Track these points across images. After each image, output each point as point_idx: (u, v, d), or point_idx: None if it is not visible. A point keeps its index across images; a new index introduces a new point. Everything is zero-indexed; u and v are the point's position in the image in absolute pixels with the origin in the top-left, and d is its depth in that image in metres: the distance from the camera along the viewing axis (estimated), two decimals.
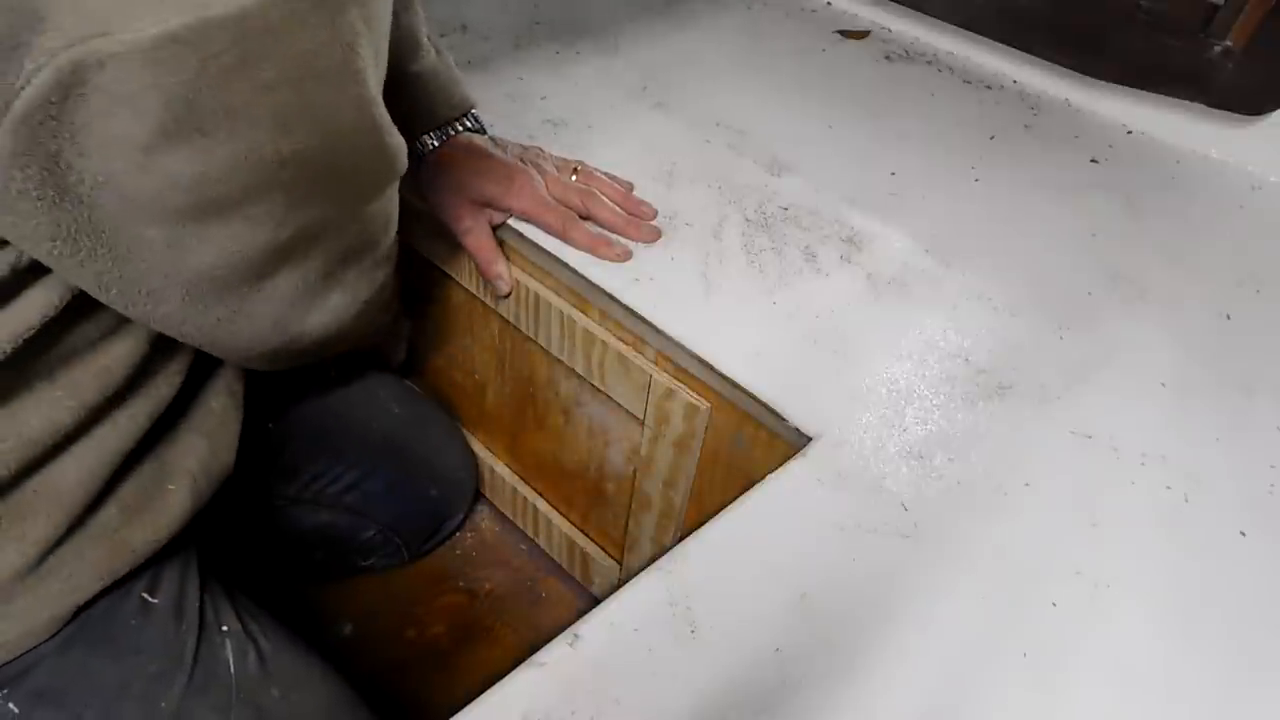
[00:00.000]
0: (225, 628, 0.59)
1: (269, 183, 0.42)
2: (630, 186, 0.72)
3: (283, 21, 0.36)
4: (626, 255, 0.66)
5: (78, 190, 0.37)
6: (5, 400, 0.45)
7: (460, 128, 0.69)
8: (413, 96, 0.68)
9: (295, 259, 0.48)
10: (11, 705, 0.50)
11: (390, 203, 0.55)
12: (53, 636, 0.51)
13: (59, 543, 0.50)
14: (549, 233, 0.67)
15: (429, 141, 0.68)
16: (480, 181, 0.66)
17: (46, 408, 0.47)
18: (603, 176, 0.71)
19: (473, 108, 0.71)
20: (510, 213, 0.68)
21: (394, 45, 0.66)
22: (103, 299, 0.44)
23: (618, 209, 0.68)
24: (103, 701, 0.53)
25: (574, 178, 0.70)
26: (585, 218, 0.68)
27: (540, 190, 0.67)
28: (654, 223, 0.69)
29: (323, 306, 0.52)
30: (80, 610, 0.52)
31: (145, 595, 0.56)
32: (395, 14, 0.65)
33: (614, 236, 0.67)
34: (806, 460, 0.53)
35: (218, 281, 0.45)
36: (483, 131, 0.71)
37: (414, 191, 0.74)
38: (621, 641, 0.43)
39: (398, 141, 0.49)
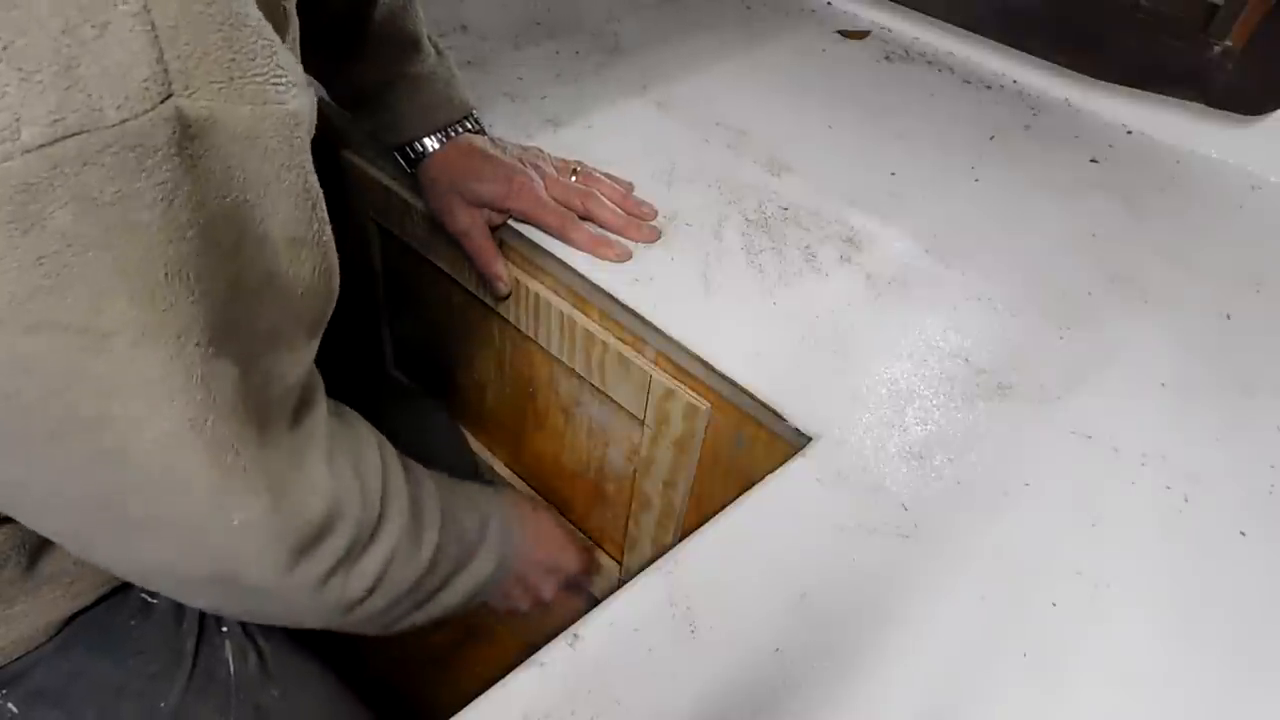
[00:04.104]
0: (225, 628, 0.59)
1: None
2: (630, 187, 0.72)
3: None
4: (627, 255, 0.66)
5: None
6: None
7: (460, 129, 0.69)
8: (412, 99, 0.68)
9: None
10: (11, 705, 0.50)
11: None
12: (51, 638, 0.51)
13: (59, 549, 0.50)
14: (548, 233, 0.67)
15: (429, 143, 0.68)
16: (479, 183, 0.66)
17: None
18: (602, 177, 0.71)
19: (472, 110, 0.71)
20: (509, 214, 0.68)
21: (393, 47, 0.67)
22: None
23: (617, 210, 0.68)
24: (102, 701, 0.53)
25: (574, 178, 0.70)
26: (585, 218, 0.68)
27: (539, 191, 0.67)
28: (654, 223, 0.69)
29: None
30: (79, 612, 0.52)
31: (145, 596, 0.56)
32: (392, 15, 0.65)
33: (614, 237, 0.67)
34: (806, 460, 0.53)
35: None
36: (482, 132, 0.71)
37: (413, 192, 0.74)
38: (621, 641, 0.43)
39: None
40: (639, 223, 0.68)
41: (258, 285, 0.38)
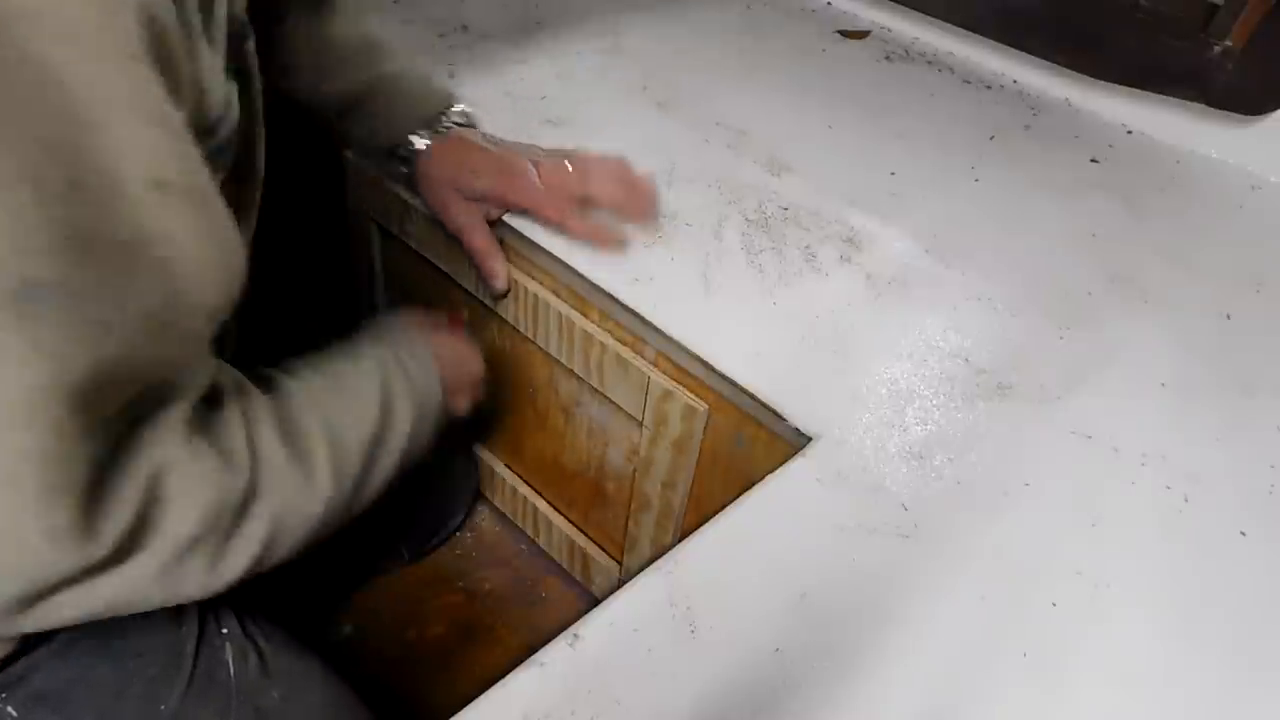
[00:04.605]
0: (225, 630, 0.59)
1: None
2: (624, 160, 0.70)
3: None
4: (623, 243, 0.66)
5: None
6: None
7: (449, 122, 0.68)
8: (394, 97, 0.67)
9: None
10: (10, 709, 0.50)
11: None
12: (50, 642, 0.51)
13: None
14: (546, 225, 0.67)
15: (421, 139, 0.67)
16: (475, 177, 0.66)
17: None
18: (595, 156, 0.70)
19: (457, 101, 0.70)
20: (506, 206, 0.68)
21: (360, 52, 0.65)
22: None
23: (616, 187, 0.67)
24: (102, 704, 0.52)
25: (566, 164, 0.70)
26: (584, 201, 0.67)
27: (535, 181, 0.66)
28: (652, 222, 0.69)
29: None
30: None
31: None
32: (349, 23, 0.64)
33: (612, 224, 0.66)
34: (806, 460, 0.53)
35: None
36: (473, 125, 0.71)
37: (414, 191, 0.74)
38: (621, 641, 0.43)
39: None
40: (639, 199, 0.67)
41: (112, 243, 0.31)
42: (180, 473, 0.40)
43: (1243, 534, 0.52)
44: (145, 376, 0.36)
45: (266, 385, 0.49)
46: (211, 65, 0.40)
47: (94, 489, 0.36)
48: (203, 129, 0.40)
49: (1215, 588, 0.49)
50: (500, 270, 0.69)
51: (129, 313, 0.32)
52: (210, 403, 0.44)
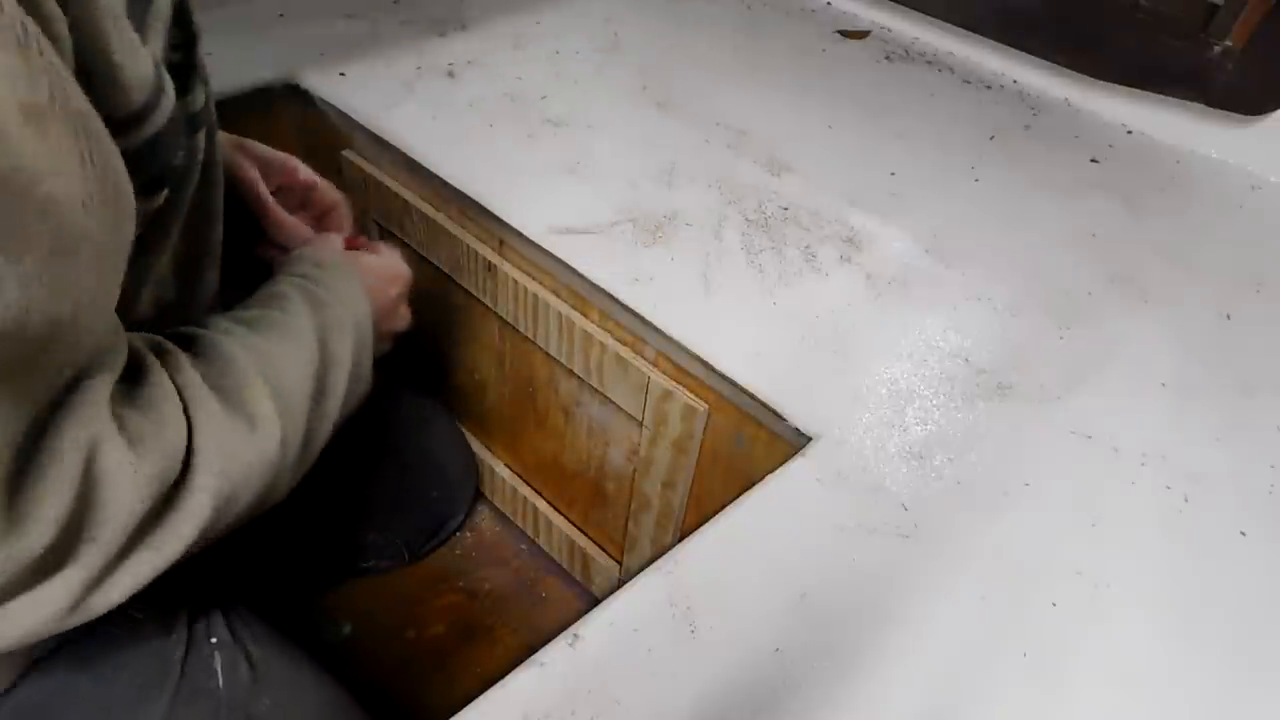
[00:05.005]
0: (214, 639, 0.58)
1: None
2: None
3: None
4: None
5: None
6: None
7: None
8: None
9: None
10: None
11: None
12: (36, 654, 0.51)
13: None
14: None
15: None
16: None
17: None
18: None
19: None
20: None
21: None
22: None
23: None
24: (88, 718, 0.52)
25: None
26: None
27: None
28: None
29: None
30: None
31: (132, 611, 0.56)
32: None
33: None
34: (806, 460, 0.53)
35: None
36: None
37: (411, 190, 0.73)
38: (621, 641, 0.43)
39: None
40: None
41: None
42: (113, 447, 0.37)
43: (1243, 534, 0.52)
44: (58, 351, 0.33)
45: (189, 343, 0.46)
46: (132, 43, 0.36)
47: (16, 476, 0.33)
48: (126, 117, 0.37)
49: (1215, 588, 0.49)
50: (284, 222, 0.63)
51: (23, 263, 0.28)
52: (132, 373, 0.41)
